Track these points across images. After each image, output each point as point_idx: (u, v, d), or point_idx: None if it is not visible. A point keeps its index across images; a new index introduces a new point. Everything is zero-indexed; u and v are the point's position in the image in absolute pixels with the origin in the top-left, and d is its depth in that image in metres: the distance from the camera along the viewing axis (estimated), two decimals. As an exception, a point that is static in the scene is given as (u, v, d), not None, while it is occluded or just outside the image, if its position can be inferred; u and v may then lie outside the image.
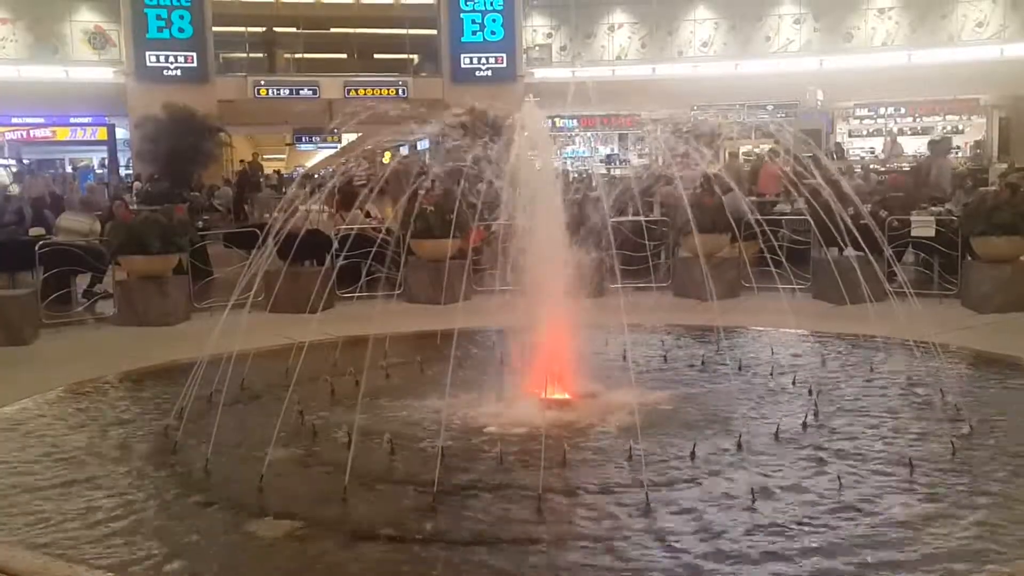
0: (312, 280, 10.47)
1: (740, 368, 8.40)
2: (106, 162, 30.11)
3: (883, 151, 29.06)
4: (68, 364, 9.36)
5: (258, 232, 8.63)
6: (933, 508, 5.03)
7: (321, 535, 4.88)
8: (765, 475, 5.58)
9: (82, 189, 22.85)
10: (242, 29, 32.00)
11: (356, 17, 32.81)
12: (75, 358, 9.73)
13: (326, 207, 14.26)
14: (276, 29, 32.82)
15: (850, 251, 8.35)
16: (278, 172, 33.97)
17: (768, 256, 9.02)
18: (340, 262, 10.33)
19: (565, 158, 29.78)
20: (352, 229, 10.75)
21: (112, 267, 12.75)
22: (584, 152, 32.23)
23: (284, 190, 24.12)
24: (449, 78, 30.94)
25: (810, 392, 7.38)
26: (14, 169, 26.24)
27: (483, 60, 30.82)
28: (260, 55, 32.38)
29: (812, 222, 10.05)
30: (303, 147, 37.67)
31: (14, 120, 29.55)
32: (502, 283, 7.48)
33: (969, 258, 11.82)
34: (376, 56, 34.11)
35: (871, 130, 30.62)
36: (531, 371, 7.02)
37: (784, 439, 6.28)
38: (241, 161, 30.46)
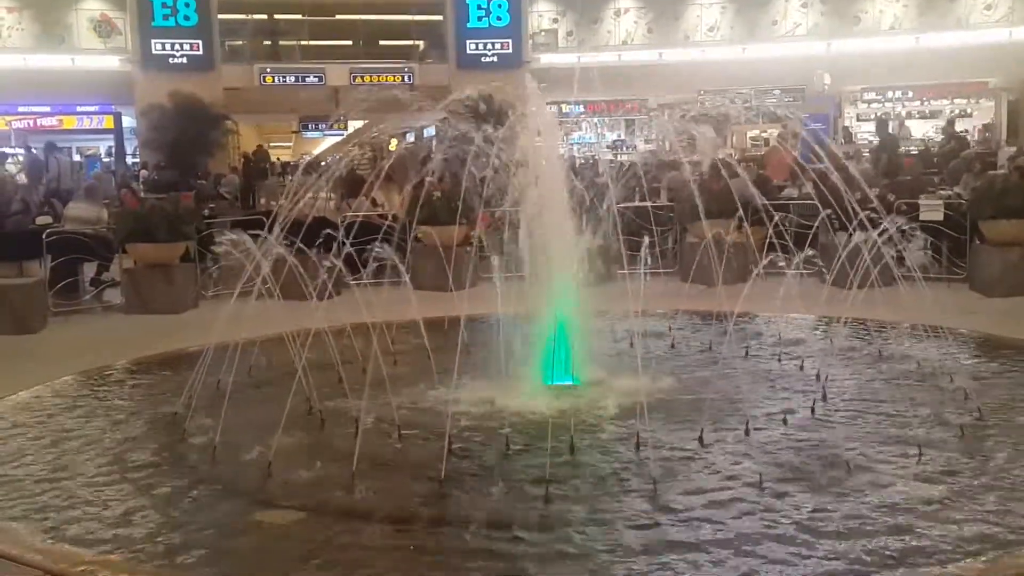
0: (319, 267, 10.47)
1: (748, 353, 8.39)
2: (113, 150, 30.11)
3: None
4: (76, 353, 9.38)
5: (265, 220, 8.62)
6: (940, 492, 5.02)
7: (328, 522, 4.89)
8: (773, 460, 5.58)
9: (88, 178, 22.84)
10: (246, 16, 31.94)
11: (361, 3, 32.70)
12: (83, 346, 9.76)
13: (332, 195, 14.26)
14: (281, 16, 32.76)
15: (858, 235, 8.32)
16: (279, 160, 33.95)
17: (776, 241, 9.00)
18: (346, 249, 10.32)
19: (572, 144, 29.72)
20: (358, 217, 10.74)
21: (119, 255, 12.76)
22: (591, 138, 32.16)
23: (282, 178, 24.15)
24: (455, 64, 30.86)
25: (818, 377, 7.37)
26: (21, 158, 26.26)
27: (489, 46, 30.71)
28: (266, 42, 32.27)
29: (820, 207, 10.01)
30: (309, 135, 37.63)
31: (20, 109, 29.56)
32: (509, 270, 7.48)
33: (978, 242, 11.77)
34: (382, 43, 34.01)
35: (879, 114, 30.47)
36: (538, 357, 7.02)
37: (792, 424, 6.28)
38: (236, 148, 30.48)
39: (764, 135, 26.89)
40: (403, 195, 14.05)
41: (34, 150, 24.25)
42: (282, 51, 32.12)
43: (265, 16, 32.49)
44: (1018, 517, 4.67)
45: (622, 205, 7.90)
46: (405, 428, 6.26)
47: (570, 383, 7.01)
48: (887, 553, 4.29)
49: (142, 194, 18.69)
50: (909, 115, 29.70)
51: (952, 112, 28.96)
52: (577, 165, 16.36)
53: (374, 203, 14.61)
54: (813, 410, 6.54)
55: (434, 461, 5.44)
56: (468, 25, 30.86)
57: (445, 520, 4.89)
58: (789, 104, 27.37)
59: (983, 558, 4.24)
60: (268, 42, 32.08)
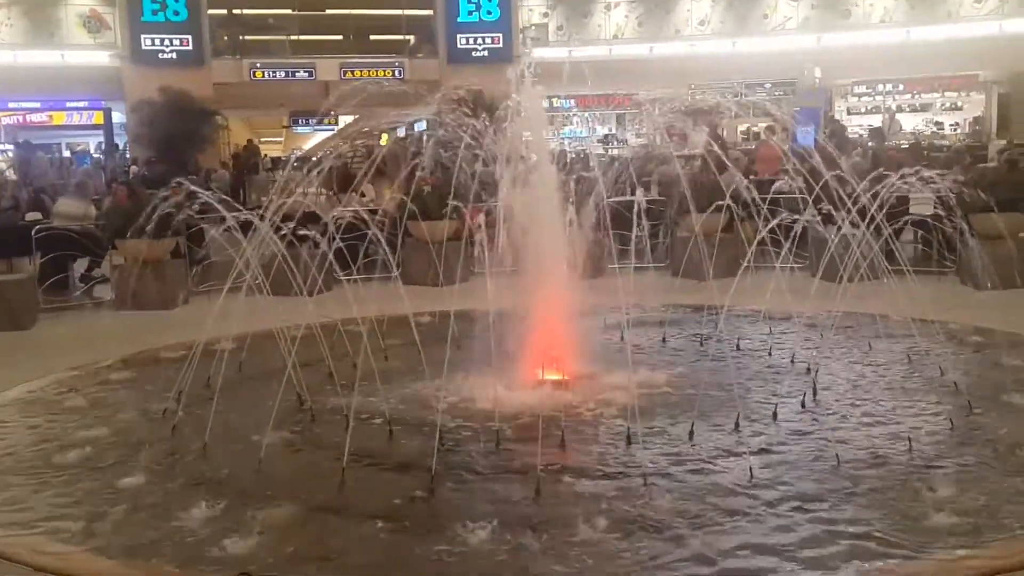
0: (310, 263, 10.45)
1: (738, 347, 8.41)
2: (103, 146, 30.03)
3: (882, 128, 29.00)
4: (67, 349, 9.37)
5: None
6: (931, 485, 5.03)
7: (319, 518, 4.88)
8: (763, 454, 5.59)
9: (75, 174, 22.78)
10: (238, 11, 31.86)
11: (352, -2, 32.72)
12: (73, 343, 9.74)
13: (324, 190, 14.21)
14: (271, 11, 32.68)
15: (848, 229, 8.33)
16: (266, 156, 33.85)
17: (767, 235, 8.99)
18: (336, 244, 10.29)
19: (562, 138, 29.74)
20: (347, 212, 10.70)
21: (110, 252, 12.74)
22: (581, 132, 32.16)
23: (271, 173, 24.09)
24: (445, 59, 30.84)
25: (808, 370, 7.39)
26: (10, 154, 26.21)
27: (479, 40, 30.69)
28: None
29: (810, 201, 10.02)
30: (300, 130, 37.55)
31: (10, 105, 29.46)
32: (500, 264, 7.47)
33: (968, 235, 11.78)
34: (372, 37, 33.97)
35: (869, 107, 30.53)
36: (529, 352, 7.01)
37: (782, 418, 6.28)
38: (227, 143, 30.44)
39: (754, 129, 26.91)
40: (393, 189, 14.02)
41: (20, 143, 24.22)
42: (272, 46, 32.00)
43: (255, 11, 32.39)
44: (1008, 510, 4.69)
45: (612, 200, 7.89)
46: (395, 423, 6.26)
47: (560, 378, 7.01)
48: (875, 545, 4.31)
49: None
50: (900, 108, 29.76)
51: (941, 105, 29.02)
52: (568, 159, 16.34)
53: (363, 196, 14.56)
54: (803, 403, 6.56)
55: (424, 455, 5.43)
56: (459, 19, 30.85)
57: (435, 515, 4.88)
58: (780, 98, 27.45)
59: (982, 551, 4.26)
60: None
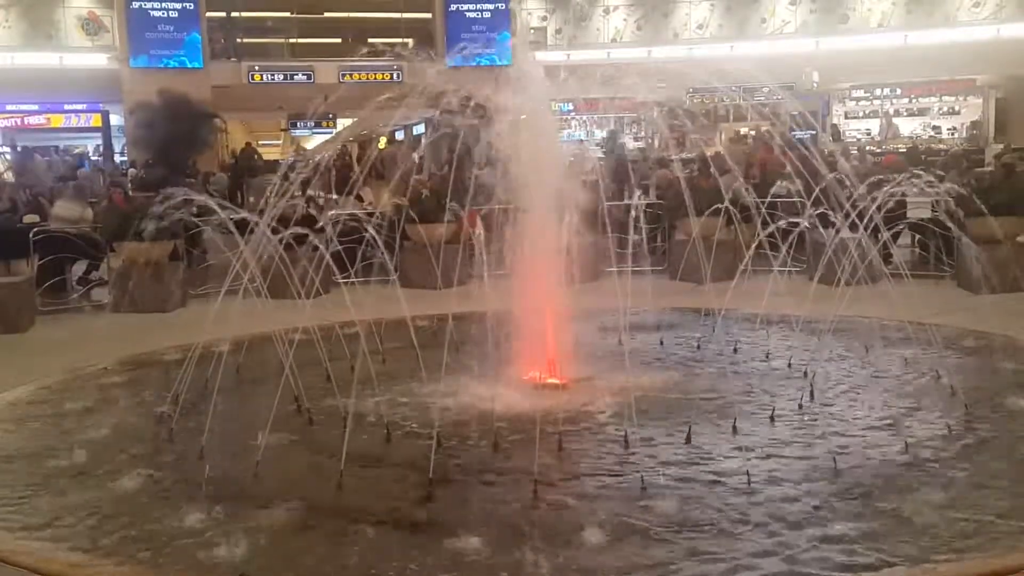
0: (308, 266, 10.43)
1: (736, 351, 8.41)
2: (101, 149, 29.99)
3: (879, 132, 29.02)
4: (64, 351, 9.35)
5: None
6: (929, 491, 5.03)
7: (316, 521, 4.88)
8: (760, 457, 5.59)
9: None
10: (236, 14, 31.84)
11: (350, 1, 32.63)
12: (71, 345, 9.73)
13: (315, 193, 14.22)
14: (270, 14, 32.66)
15: (846, 233, 8.34)
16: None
17: (765, 238, 9.01)
18: (334, 248, 10.29)
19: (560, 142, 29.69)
20: (342, 215, 10.72)
21: (109, 254, 12.72)
22: (580, 136, 32.14)
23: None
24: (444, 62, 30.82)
25: (805, 374, 7.39)
26: (8, 156, 26.17)
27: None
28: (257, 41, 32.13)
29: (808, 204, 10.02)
30: (298, 133, 37.51)
31: (8, 107, 29.41)
32: (498, 268, 7.48)
33: (965, 239, 11.79)
34: (371, 40, 33.92)
35: (867, 111, 30.54)
36: (526, 356, 7.02)
37: (780, 421, 6.28)
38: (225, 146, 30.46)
39: (752, 132, 26.89)
40: (390, 191, 14.03)
41: (20, 149, 24.19)
42: (271, 49, 31.97)
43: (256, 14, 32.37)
44: (1007, 517, 4.68)
45: (610, 203, 7.91)
46: (393, 426, 6.26)
47: (557, 381, 7.01)
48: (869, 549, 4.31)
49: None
50: (897, 112, 29.79)
51: (938, 109, 28.99)
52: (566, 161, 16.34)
53: (360, 200, 14.56)
54: (801, 406, 6.56)
55: (422, 459, 5.43)
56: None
57: (433, 519, 4.87)
58: (778, 102, 27.41)
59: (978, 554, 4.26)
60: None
